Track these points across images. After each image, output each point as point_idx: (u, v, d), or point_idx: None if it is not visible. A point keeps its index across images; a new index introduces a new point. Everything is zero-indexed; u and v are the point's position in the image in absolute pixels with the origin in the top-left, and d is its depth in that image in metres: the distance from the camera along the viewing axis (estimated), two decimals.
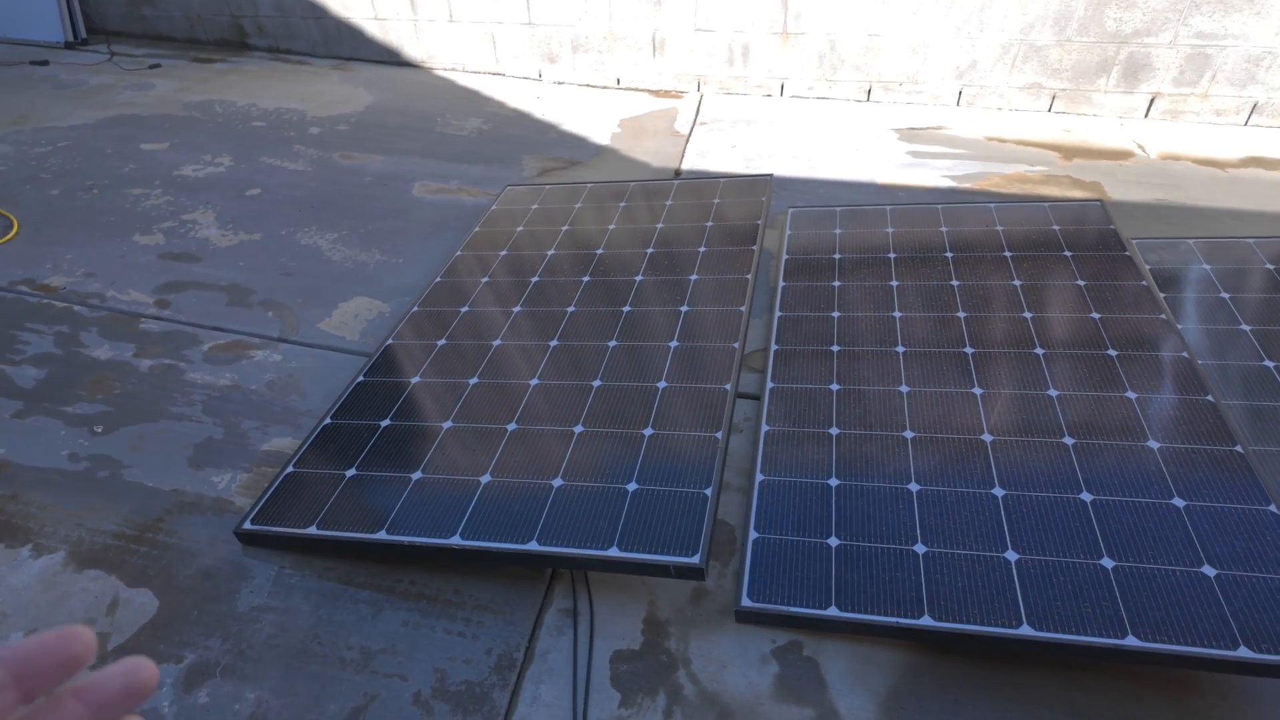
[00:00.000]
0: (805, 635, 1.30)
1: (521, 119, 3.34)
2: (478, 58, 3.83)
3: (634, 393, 1.64)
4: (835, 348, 1.86)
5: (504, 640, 1.30)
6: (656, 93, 3.59)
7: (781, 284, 2.13)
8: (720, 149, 3.03)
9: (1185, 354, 1.69)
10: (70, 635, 0.36)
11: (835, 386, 1.74)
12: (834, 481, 1.51)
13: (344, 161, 2.96)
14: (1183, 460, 1.44)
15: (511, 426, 1.60)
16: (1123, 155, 2.92)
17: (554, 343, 1.83)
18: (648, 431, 1.54)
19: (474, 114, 3.38)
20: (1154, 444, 1.48)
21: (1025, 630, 1.20)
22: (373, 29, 3.95)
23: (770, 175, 2.46)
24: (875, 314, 1.95)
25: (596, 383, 1.68)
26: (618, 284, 2.02)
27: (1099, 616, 1.20)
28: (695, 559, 1.26)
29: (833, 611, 1.28)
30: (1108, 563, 1.28)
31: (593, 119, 3.32)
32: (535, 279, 2.09)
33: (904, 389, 1.70)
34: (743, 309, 1.85)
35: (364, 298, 2.16)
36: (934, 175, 2.78)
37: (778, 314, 2.01)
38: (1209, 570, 1.24)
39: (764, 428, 1.66)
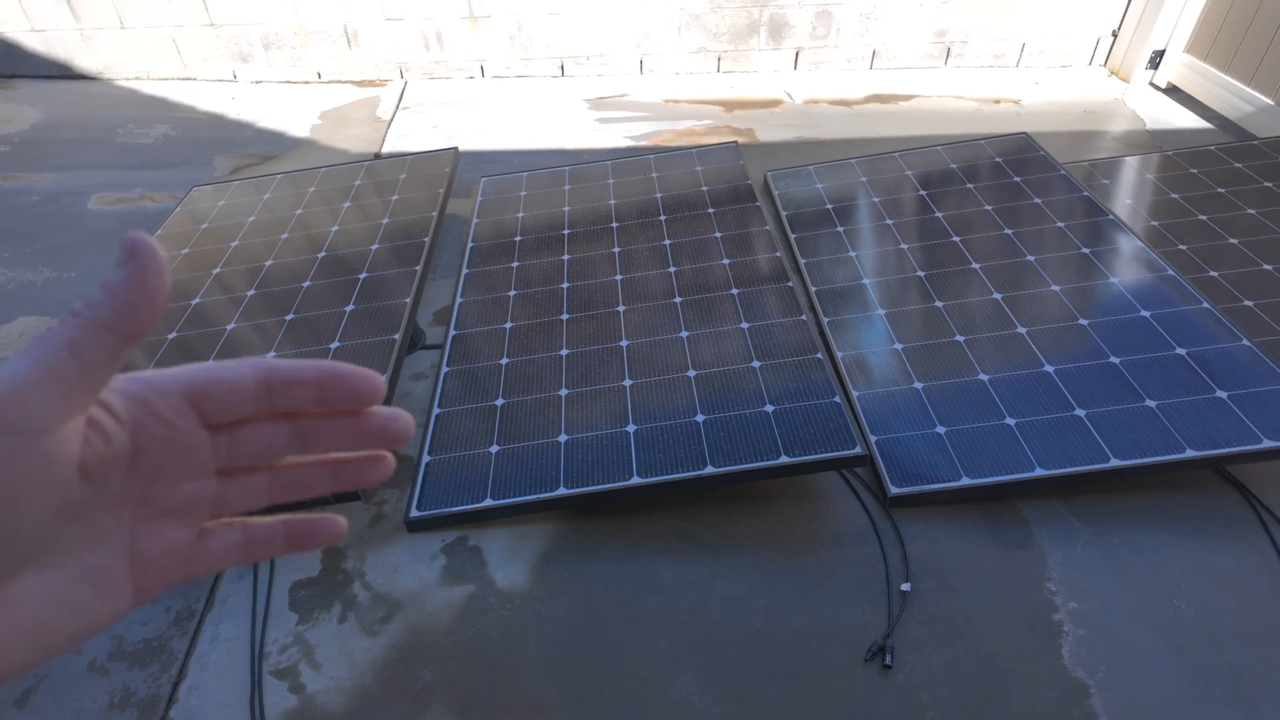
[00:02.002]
0: (469, 529, 1.50)
1: (214, 121, 3.25)
2: (163, 64, 3.64)
3: (306, 358, 1.75)
4: (513, 293, 2.07)
5: (183, 597, 1.38)
6: (360, 83, 3.63)
7: (470, 244, 2.31)
8: (422, 131, 3.15)
9: (779, 254, 2.08)
10: (373, 376, 0.37)
11: (509, 325, 1.95)
12: (500, 401, 1.72)
13: (5, 184, 2.74)
14: (764, 333, 1.80)
15: None
16: (774, 104, 3.41)
17: (230, 326, 1.88)
18: None
19: (161, 121, 3.24)
20: (745, 325, 1.84)
21: (635, 480, 1.48)
22: (33, 42, 3.61)
23: (455, 148, 2.63)
24: (548, 260, 2.19)
25: (271, 354, 1.77)
26: (298, 265, 2.10)
27: (688, 457, 1.50)
28: None
29: (487, 502, 1.49)
30: (700, 418, 1.59)
31: (292, 114, 3.31)
32: (216, 270, 2.12)
33: (565, 316, 1.95)
34: (417, 268, 2.01)
35: (30, 317, 2.07)
36: (617, 137, 3.09)
37: (465, 271, 2.19)
38: (769, 408, 1.59)
39: (444, 369, 1.84)
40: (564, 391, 1.71)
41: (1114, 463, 1.47)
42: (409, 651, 1.29)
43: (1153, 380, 1.63)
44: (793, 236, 2.34)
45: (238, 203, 2.46)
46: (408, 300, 1.89)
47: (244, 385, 0.35)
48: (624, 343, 1.83)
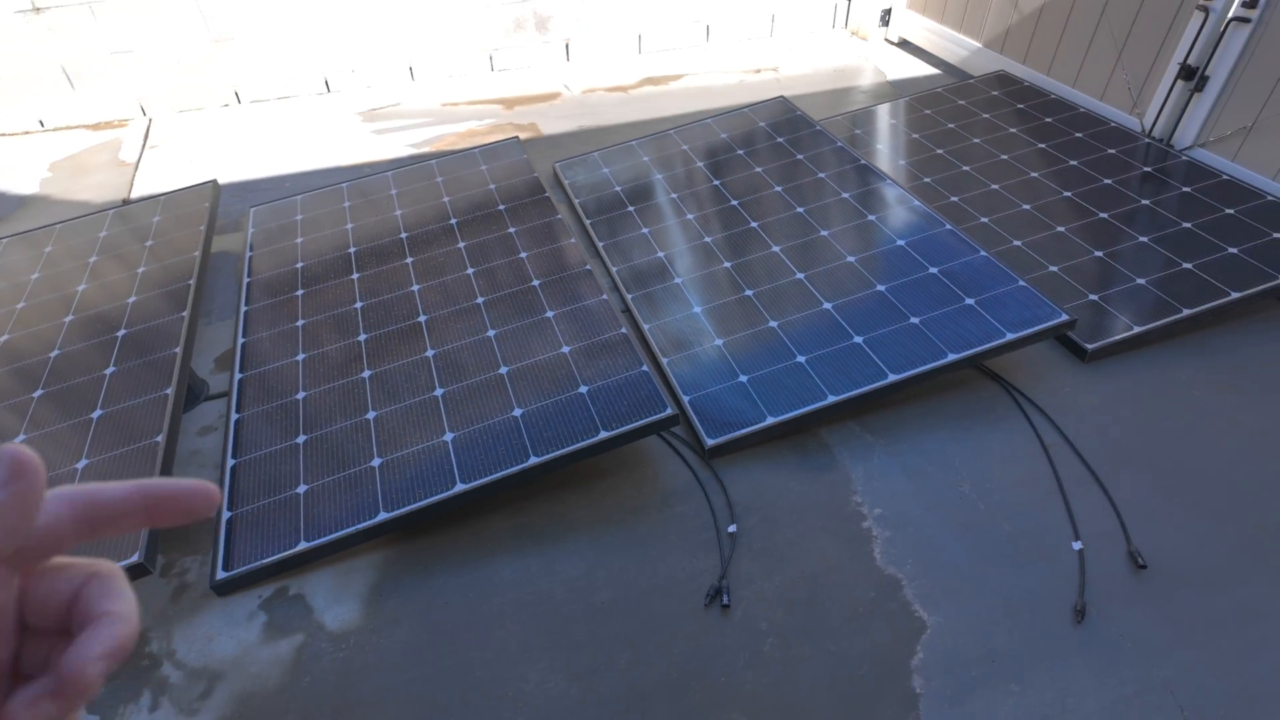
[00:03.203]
0: (288, 578, 1.40)
1: None
2: None
3: (65, 431, 1.55)
4: (301, 322, 1.95)
5: None
6: (95, 126, 3.24)
7: (247, 279, 2.14)
8: (177, 168, 2.87)
9: (573, 240, 2.11)
10: (207, 493, 0.33)
11: (301, 356, 1.83)
12: (302, 438, 1.61)
13: None
14: (570, 319, 1.82)
15: None
16: (553, 96, 3.43)
17: None
18: (81, 464, 1.48)
19: None
20: (550, 314, 1.85)
21: (459, 487, 1.44)
22: None
23: (214, 180, 2.43)
24: (336, 281, 2.08)
25: (20, 437, 1.55)
26: (44, 333, 1.86)
27: (511, 453, 1.49)
28: (135, 558, 1.27)
29: (302, 545, 1.39)
30: (518, 411, 1.58)
31: (12, 170, 2.90)
32: None
33: (363, 337, 1.87)
34: (185, 315, 1.84)
35: None
36: (396, 146, 2.98)
37: (244, 308, 2.03)
38: (584, 389, 1.61)
39: (234, 416, 1.69)
40: (372, 414, 1.64)
41: (891, 378, 1.62)
42: None
43: (914, 299, 1.81)
44: (588, 222, 2.37)
45: None
46: (177, 350, 1.72)
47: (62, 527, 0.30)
48: (430, 352, 1.78)
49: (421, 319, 1.89)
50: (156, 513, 0.32)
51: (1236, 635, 1.23)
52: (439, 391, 1.67)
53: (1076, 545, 1.38)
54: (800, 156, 2.48)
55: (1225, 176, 2.26)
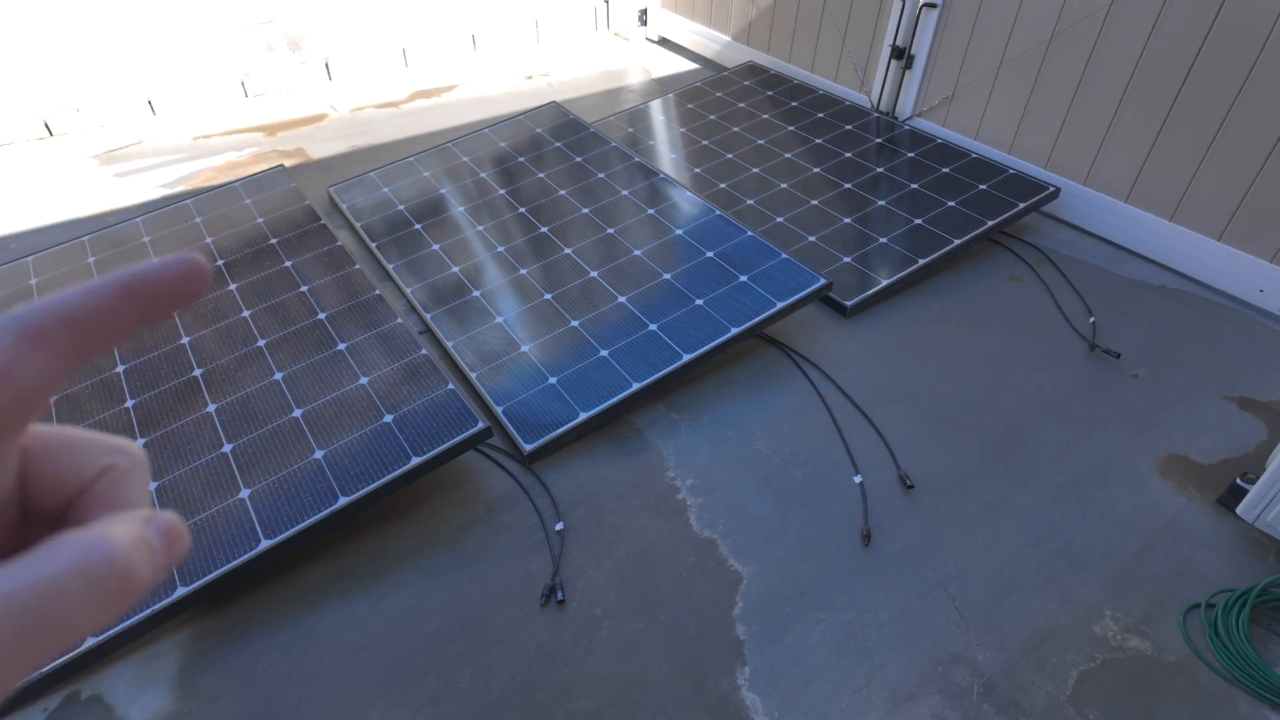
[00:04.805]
0: (75, 681, 1.26)
1: None
2: None
3: None
4: (53, 398, 1.73)
5: None
6: None
7: None
8: None
9: (358, 266, 2.04)
10: (194, 266, 0.25)
11: None
12: None
13: None
14: (364, 349, 1.77)
15: None
16: (319, 118, 3.27)
17: None
18: None
19: None
20: (342, 346, 1.78)
21: (263, 544, 1.37)
22: None
23: None
24: None
25: None
26: None
27: (317, 497, 1.43)
28: None
29: (88, 642, 1.26)
30: (319, 454, 1.52)
31: None
32: None
33: (131, 403, 1.70)
34: None
35: None
36: (146, 189, 2.71)
37: None
38: (389, 417, 1.58)
39: None
40: (152, 484, 1.50)
41: (686, 357, 1.74)
42: None
43: (696, 283, 1.95)
44: (373, 245, 2.30)
45: None
46: None
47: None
48: (211, 407, 1.66)
49: (197, 373, 1.75)
50: (149, 311, 0.25)
51: (986, 528, 1.47)
52: (227, 447, 1.56)
53: (857, 479, 1.56)
54: (579, 159, 2.56)
55: (939, 141, 2.63)
